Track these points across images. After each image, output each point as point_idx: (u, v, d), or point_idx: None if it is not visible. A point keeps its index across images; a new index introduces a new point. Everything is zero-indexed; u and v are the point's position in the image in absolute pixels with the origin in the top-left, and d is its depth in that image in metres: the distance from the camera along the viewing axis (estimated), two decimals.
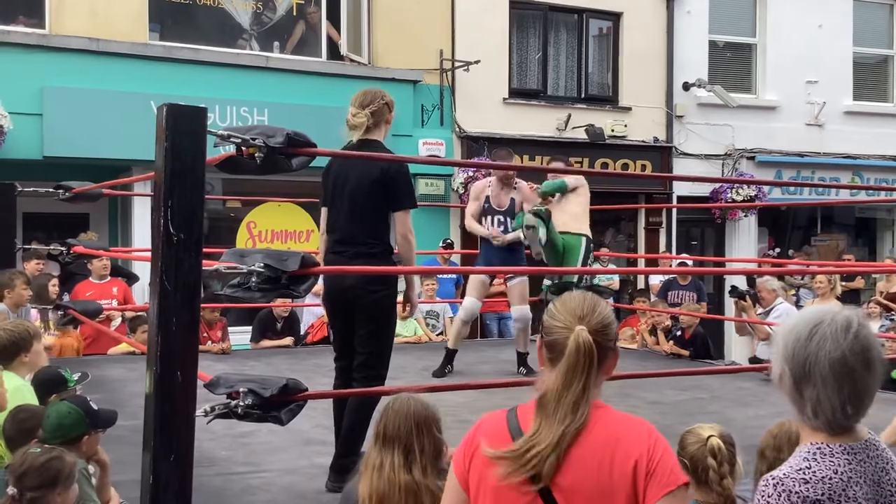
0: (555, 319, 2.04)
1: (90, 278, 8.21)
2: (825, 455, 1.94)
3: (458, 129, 11.59)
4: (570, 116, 12.20)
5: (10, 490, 2.92)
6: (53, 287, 7.24)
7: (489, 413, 2.08)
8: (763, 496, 1.92)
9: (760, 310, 7.74)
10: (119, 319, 8.38)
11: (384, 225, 4.24)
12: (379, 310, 4.20)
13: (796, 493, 1.89)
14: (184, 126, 2.99)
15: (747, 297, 7.66)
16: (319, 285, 9.03)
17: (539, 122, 12.09)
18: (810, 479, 1.91)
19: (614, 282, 11.33)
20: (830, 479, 1.92)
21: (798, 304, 10.07)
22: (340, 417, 4.23)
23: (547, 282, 7.32)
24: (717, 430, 3.00)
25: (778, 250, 14.17)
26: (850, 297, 10.14)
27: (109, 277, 8.29)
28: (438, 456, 2.73)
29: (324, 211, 4.47)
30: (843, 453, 1.94)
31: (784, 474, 1.92)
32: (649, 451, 1.90)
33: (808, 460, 1.95)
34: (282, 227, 10.96)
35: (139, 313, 7.75)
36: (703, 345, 8.35)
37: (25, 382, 4.13)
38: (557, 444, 1.90)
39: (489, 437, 1.99)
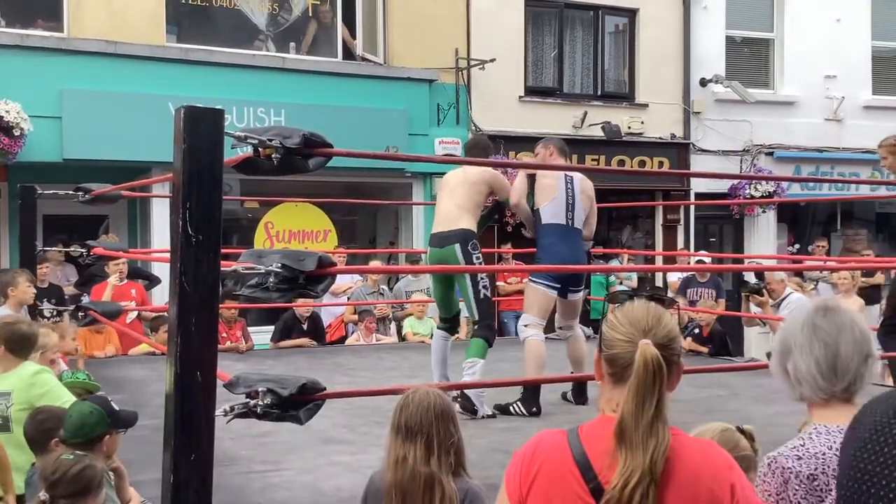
0: (616, 331, 1.89)
1: (108, 280, 8.19)
2: (821, 434, 2.06)
3: (474, 128, 11.58)
4: (586, 114, 12.17)
5: (43, 496, 2.95)
6: (43, 270, 7.34)
7: (545, 432, 1.94)
8: (761, 475, 2.06)
9: (772, 302, 7.72)
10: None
11: None
12: None
13: (788, 468, 2.02)
14: (201, 128, 3.00)
15: (764, 291, 7.65)
16: (336, 285, 9.21)
17: (555, 119, 12.05)
18: (803, 455, 2.03)
19: (632, 280, 11.31)
20: (824, 454, 2.02)
21: None
22: None
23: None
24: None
25: (797, 247, 14.07)
26: (871, 294, 10.04)
27: (126, 280, 8.25)
28: (450, 451, 2.73)
29: None
30: (840, 433, 2.00)
31: (778, 453, 2.07)
32: (733, 490, 1.82)
33: (802, 439, 2.08)
34: (299, 227, 11.00)
35: (160, 314, 7.80)
36: (721, 342, 8.32)
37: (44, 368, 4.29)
38: (651, 470, 1.75)
39: (550, 463, 1.86)
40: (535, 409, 5.73)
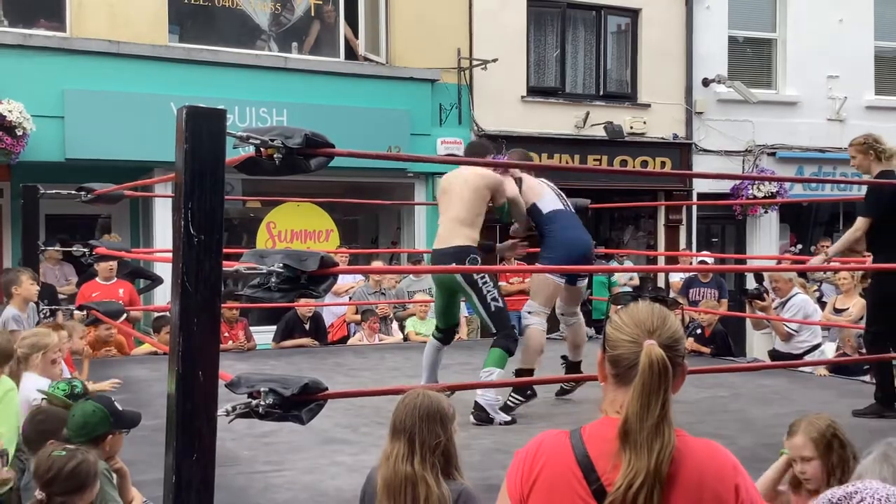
0: (620, 332, 1.86)
1: (96, 279, 8.13)
2: None
3: (476, 128, 11.58)
4: (588, 114, 12.16)
5: (39, 495, 2.95)
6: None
7: (547, 433, 1.92)
8: None
9: (777, 301, 7.71)
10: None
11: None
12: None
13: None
14: (203, 128, 3.01)
15: (765, 295, 7.63)
16: (338, 285, 9.21)
17: (558, 119, 12.06)
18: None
19: (634, 280, 11.31)
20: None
21: (821, 300, 9.99)
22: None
23: None
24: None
25: (800, 247, 14.05)
26: None
27: (115, 279, 8.17)
28: (435, 451, 2.74)
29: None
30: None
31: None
32: (737, 490, 1.80)
33: None
34: (301, 227, 11.01)
35: (162, 314, 7.79)
36: (723, 342, 8.31)
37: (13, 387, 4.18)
38: (656, 472, 1.73)
39: (552, 464, 1.85)
40: (529, 391, 5.69)
